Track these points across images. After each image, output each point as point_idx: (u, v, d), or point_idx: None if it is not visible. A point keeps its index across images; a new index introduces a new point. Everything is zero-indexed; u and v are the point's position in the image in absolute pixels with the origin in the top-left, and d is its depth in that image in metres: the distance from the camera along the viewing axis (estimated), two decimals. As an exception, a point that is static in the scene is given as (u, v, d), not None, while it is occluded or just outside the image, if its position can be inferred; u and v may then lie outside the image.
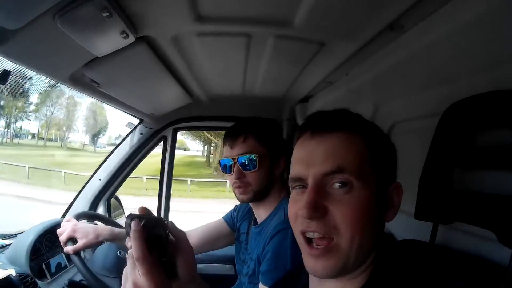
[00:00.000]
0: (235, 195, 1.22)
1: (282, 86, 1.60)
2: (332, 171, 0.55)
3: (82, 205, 1.90)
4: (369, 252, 0.58)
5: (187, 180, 18.21)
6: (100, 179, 1.94)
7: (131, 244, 0.57)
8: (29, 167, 17.94)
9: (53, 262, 1.40)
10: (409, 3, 0.73)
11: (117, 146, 2.00)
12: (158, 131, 2.01)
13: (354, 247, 0.54)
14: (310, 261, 0.57)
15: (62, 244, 1.23)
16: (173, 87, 1.49)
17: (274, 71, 1.36)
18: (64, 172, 17.79)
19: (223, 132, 1.38)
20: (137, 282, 0.56)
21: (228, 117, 2.00)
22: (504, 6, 0.61)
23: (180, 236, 0.67)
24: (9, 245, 1.38)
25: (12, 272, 1.17)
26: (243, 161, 1.14)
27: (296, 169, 0.60)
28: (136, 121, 1.99)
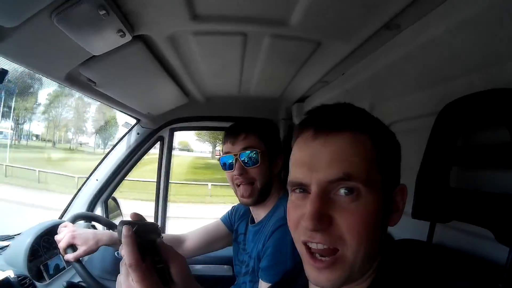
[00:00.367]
0: (238, 197, 1.21)
1: (279, 86, 1.60)
2: (338, 178, 0.50)
3: (80, 206, 1.89)
4: (374, 259, 0.55)
5: (207, 184, 16.85)
6: (97, 180, 1.93)
7: (123, 250, 0.54)
8: (39, 171, 17.12)
9: (51, 263, 1.39)
10: (406, 2, 0.73)
11: (114, 146, 2.00)
12: (155, 131, 2.01)
13: (359, 257, 0.51)
14: (313, 273, 0.53)
15: (61, 251, 1.20)
16: (169, 86, 1.49)
17: (270, 71, 1.37)
18: (78, 178, 16.10)
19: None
20: None
21: (224, 117, 2.01)
22: (499, 5, 0.62)
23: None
24: (7, 246, 1.37)
25: (10, 273, 1.16)
26: (245, 156, 1.13)
27: (297, 172, 0.55)
28: (133, 121, 1.98)
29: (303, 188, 0.54)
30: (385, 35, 0.91)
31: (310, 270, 0.54)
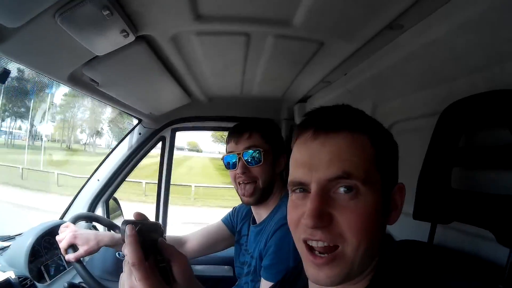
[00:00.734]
0: (239, 196, 1.22)
1: (281, 86, 1.60)
2: (337, 176, 0.51)
3: (81, 206, 1.89)
4: (373, 258, 0.56)
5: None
6: (98, 180, 1.93)
7: (126, 249, 0.55)
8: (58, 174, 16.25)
9: (52, 264, 1.39)
10: (409, 2, 0.73)
11: (116, 146, 1.99)
12: (157, 131, 2.01)
13: (359, 254, 0.51)
14: (312, 270, 0.54)
15: (62, 251, 1.20)
16: (172, 87, 1.49)
17: (273, 71, 1.37)
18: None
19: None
20: None
21: (226, 117, 2.01)
22: (502, 6, 0.62)
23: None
24: (7, 247, 1.37)
25: (11, 274, 1.16)
26: (248, 155, 1.15)
27: (297, 172, 0.56)
28: (135, 122, 1.98)
29: (303, 188, 0.55)
30: (388, 35, 0.91)
31: (310, 267, 0.54)
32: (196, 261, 1.90)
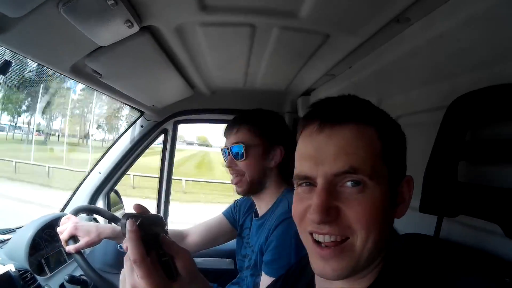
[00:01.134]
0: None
1: (285, 79, 1.59)
2: (344, 171, 0.50)
3: (82, 198, 1.89)
4: (380, 251, 0.55)
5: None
6: (100, 173, 1.93)
7: (128, 246, 0.53)
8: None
9: (53, 257, 1.39)
10: None
11: (118, 139, 1.99)
12: (159, 123, 2.00)
13: (367, 247, 0.51)
14: (319, 263, 0.53)
15: (63, 242, 1.20)
16: (175, 79, 1.47)
17: (277, 64, 1.35)
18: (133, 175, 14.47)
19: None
20: (136, 286, 0.53)
21: (229, 110, 1.99)
22: (508, 2, 0.62)
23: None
24: (8, 240, 1.37)
25: (11, 267, 1.15)
26: (234, 150, 1.20)
27: (302, 166, 0.55)
28: (137, 114, 1.97)
29: (309, 182, 0.54)
30: (394, 29, 0.90)
31: (317, 260, 0.54)
32: (196, 254, 1.89)
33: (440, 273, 0.69)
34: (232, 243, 1.55)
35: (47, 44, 0.93)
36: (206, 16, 0.91)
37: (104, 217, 1.62)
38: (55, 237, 1.39)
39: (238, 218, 1.47)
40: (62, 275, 1.32)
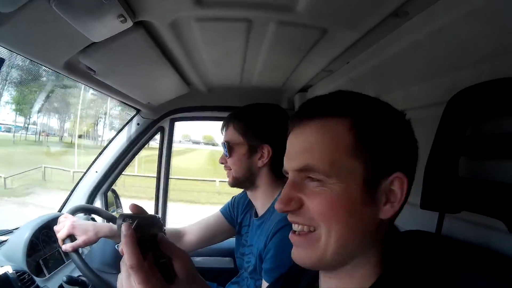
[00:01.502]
0: None
1: (282, 75, 1.58)
2: (301, 168, 0.53)
3: (79, 198, 1.87)
4: (355, 249, 0.53)
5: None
6: (96, 172, 1.92)
7: (124, 250, 0.51)
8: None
9: (51, 258, 1.38)
10: None
11: (114, 137, 1.97)
12: (155, 121, 1.98)
13: (332, 241, 0.51)
14: (292, 249, 0.57)
15: (60, 241, 1.18)
16: (170, 76, 1.46)
17: (274, 60, 1.34)
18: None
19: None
20: None
21: (226, 107, 1.97)
22: None
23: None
24: (5, 241, 1.35)
25: (8, 269, 1.14)
26: (224, 148, 1.24)
27: (284, 161, 0.59)
28: (133, 112, 1.96)
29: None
30: (393, 23, 0.89)
31: (292, 246, 0.58)
32: (196, 253, 1.89)
33: (443, 271, 0.68)
34: (231, 242, 1.53)
35: (39, 40, 0.92)
36: (201, 10, 0.90)
37: (102, 217, 1.60)
38: (52, 237, 1.38)
39: (236, 216, 1.45)
40: (60, 276, 1.31)
